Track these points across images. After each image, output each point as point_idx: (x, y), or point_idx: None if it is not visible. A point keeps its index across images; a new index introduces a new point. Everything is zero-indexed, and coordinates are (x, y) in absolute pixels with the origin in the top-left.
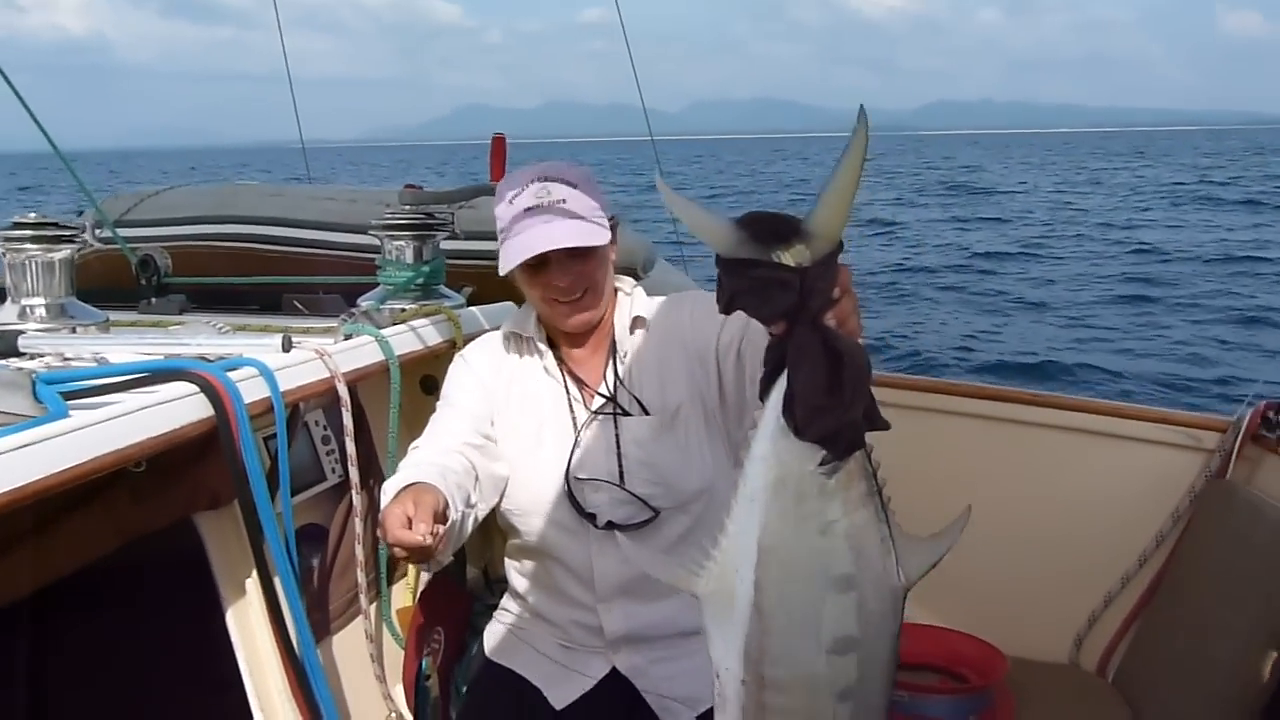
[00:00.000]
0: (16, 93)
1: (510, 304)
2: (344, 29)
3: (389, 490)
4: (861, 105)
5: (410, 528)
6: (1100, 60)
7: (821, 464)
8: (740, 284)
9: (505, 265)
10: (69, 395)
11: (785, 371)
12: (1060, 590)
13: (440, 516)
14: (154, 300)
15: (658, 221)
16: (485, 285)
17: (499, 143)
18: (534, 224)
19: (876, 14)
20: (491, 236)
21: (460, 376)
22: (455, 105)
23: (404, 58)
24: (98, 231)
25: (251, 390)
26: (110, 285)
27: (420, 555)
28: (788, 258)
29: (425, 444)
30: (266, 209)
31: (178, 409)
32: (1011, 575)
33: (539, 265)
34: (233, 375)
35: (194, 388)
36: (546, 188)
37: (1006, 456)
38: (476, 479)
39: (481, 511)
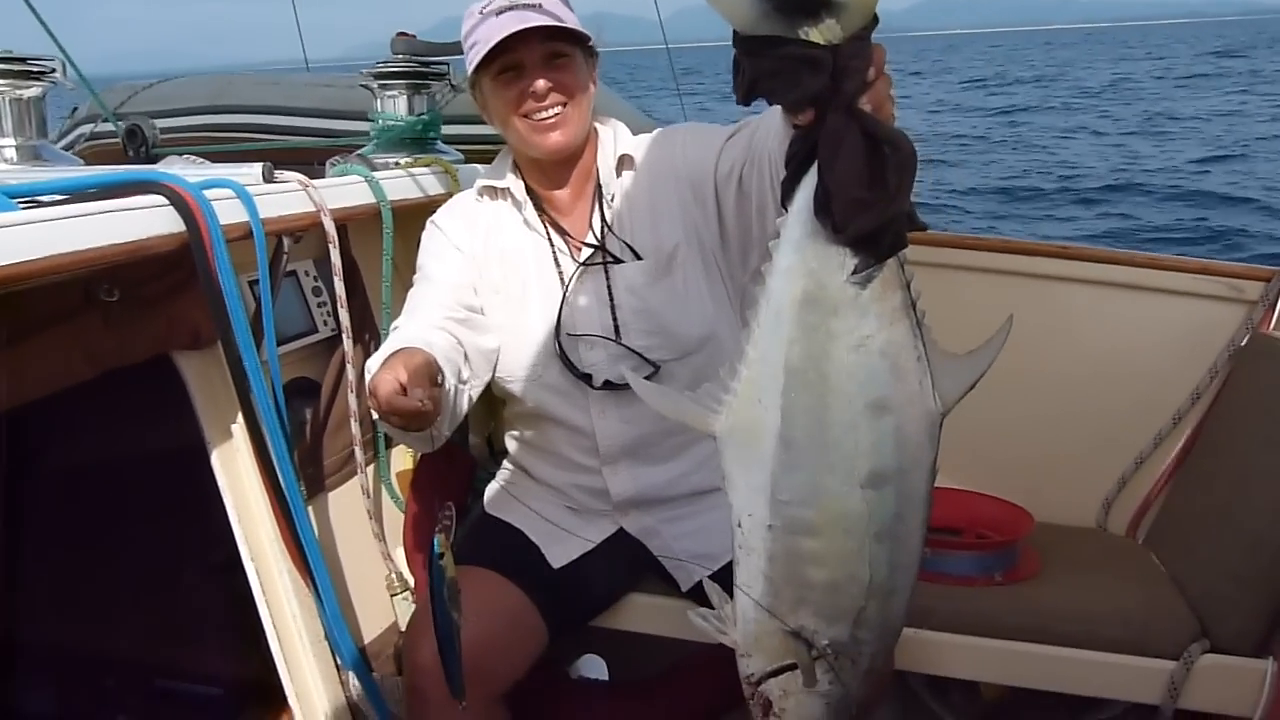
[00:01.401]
0: None
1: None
2: None
3: (373, 364)
4: None
5: (404, 394)
6: None
7: (855, 271)
8: (763, 65)
9: (472, 60)
10: (28, 206)
11: (813, 168)
12: (1089, 453)
13: (434, 380)
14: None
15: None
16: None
17: None
18: (504, 19)
19: None
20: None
21: (434, 245)
22: (436, 18)
23: None
24: (91, 126)
25: (228, 212)
26: None
27: (418, 422)
28: (816, 35)
29: (404, 322)
30: (264, 98)
31: (143, 219)
32: (1038, 439)
33: (513, 71)
34: (208, 194)
35: (163, 200)
36: None
37: (1034, 314)
38: (465, 356)
39: (475, 389)
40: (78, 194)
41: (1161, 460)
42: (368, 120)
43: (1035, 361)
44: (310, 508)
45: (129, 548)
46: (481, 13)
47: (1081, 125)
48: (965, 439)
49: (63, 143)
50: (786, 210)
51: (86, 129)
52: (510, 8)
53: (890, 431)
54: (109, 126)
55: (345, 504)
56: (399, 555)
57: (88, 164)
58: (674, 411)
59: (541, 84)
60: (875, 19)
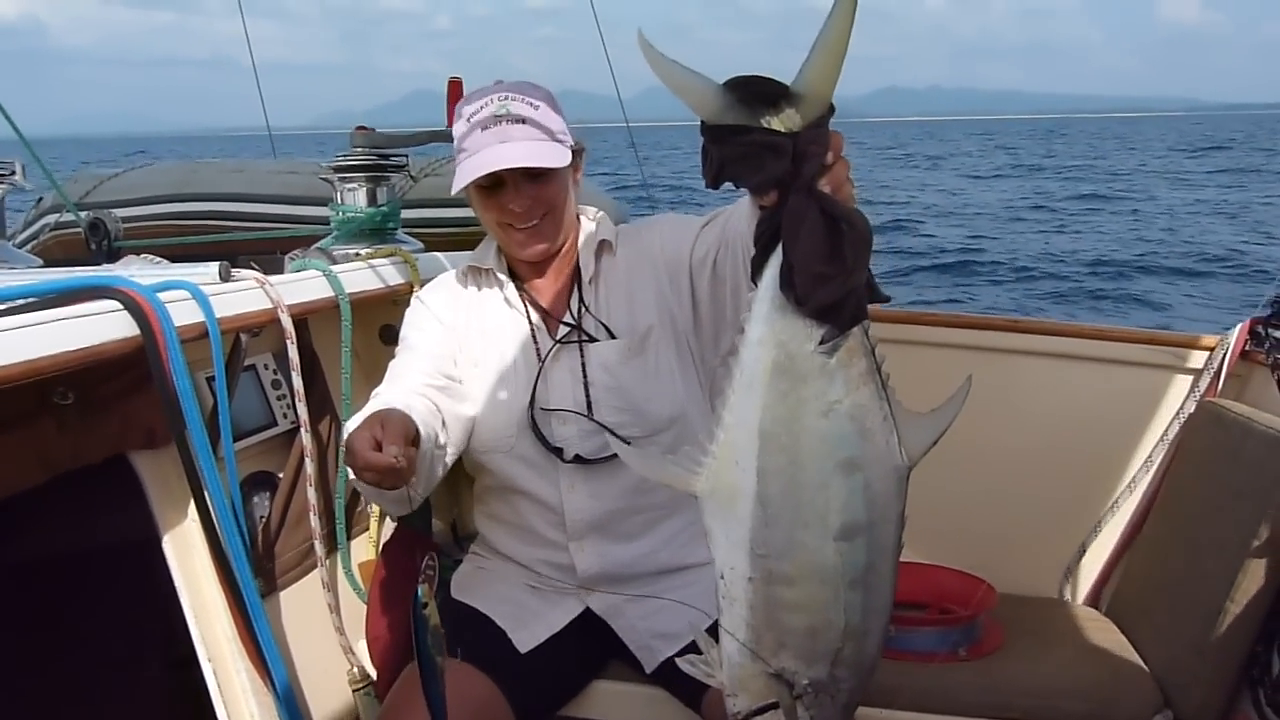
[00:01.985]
0: None
1: (470, 254)
2: (287, 14)
3: (352, 425)
4: None
5: (380, 450)
6: (1044, 47)
7: (821, 342)
8: (729, 151)
9: (458, 184)
10: None
11: (779, 246)
12: (1048, 523)
13: (410, 440)
14: (102, 266)
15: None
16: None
17: (455, 86)
18: (490, 141)
19: (826, 2)
20: (453, 203)
21: (417, 318)
22: (405, 91)
23: (350, 43)
24: (56, 217)
25: (183, 313)
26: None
27: (391, 479)
28: (777, 123)
29: (385, 389)
30: (228, 185)
31: (98, 325)
32: (997, 510)
33: (493, 186)
34: (162, 296)
35: (117, 305)
36: (506, 105)
37: (987, 386)
38: (443, 422)
39: (450, 455)
40: (33, 299)
41: (1119, 527)
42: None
43: (992, 433)
44: (268, 604)
45: (84, 645)
46: (469, 120)
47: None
48: (926, 511)
49: (28, 232)
50: (756, 286)
51: (52, 219)
52: (496, 124)
53: (860, 488)
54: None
55: (305, 598)
56: (361, 649)
57: (53, 254)
58: (656, 473)
59: (520, 204)
60: (832, 108)
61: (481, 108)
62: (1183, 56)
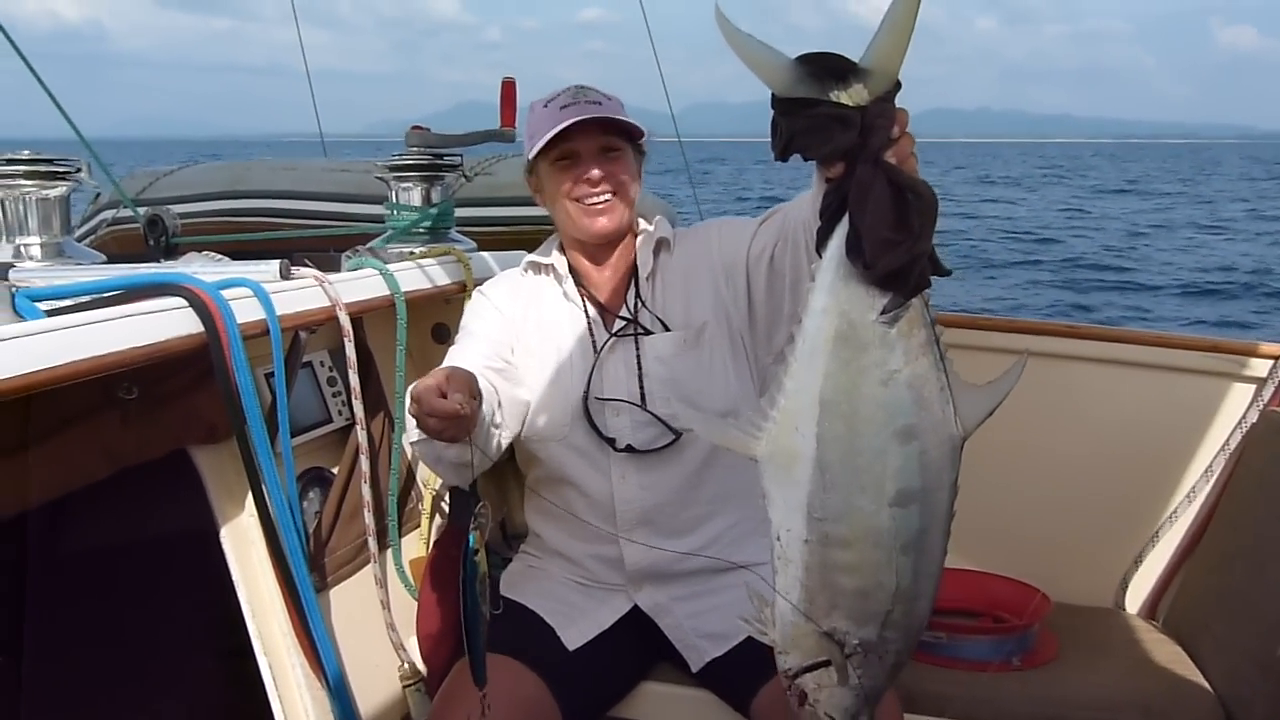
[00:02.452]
0: (38, 77)
1: (523, 252)
2: (342, 23)
3: (412, 388)
4: None
5: (445, 399)
6: (1095, 71)
7: (883, 312)
8: (799, 123)
9: (535, 147)
10: (52, 313)
11: (844, 222)
12: (1104, 532)
13: (473, 394)
14: (162, 260)
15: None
16: (504, 250)
17: (509, 87)
18: (570, 114)
19: (874, 20)
20: (505, 202)
21: (478, 307)
22: (454, 101)
23: (402, 53)
24: (114, 212)
25: (245, 311)
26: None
27: (454, 429)
28: (845, 97)
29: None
30: (281, 183)
31: (163, 321)
32: (1052, 518)
33: (570, 159)
34: (225, 294)
35: (182, 302)
36: (584, 91)
37: (1045, 393)
38: (499, 402)
39: (505, 437)
40: (100, 296)
41: (1177, 538)
42: (382, 204)
43: (1047, 440)
44: (322, 600)
45: (140, 633)
46: (545, 106)
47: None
48: (980, 519)
49: (86, 226)
50: (820, 257)
51: (109, 214)
52: (573, 103)
53: (915, 456)
54: (130, 211)
55: (358, 594)
56: (412, 645)
57: (109, 250)
58: (718, 436)
59: (596, 172)
60: (898, 84)
61: (557, 95)
62: (1238, 83)
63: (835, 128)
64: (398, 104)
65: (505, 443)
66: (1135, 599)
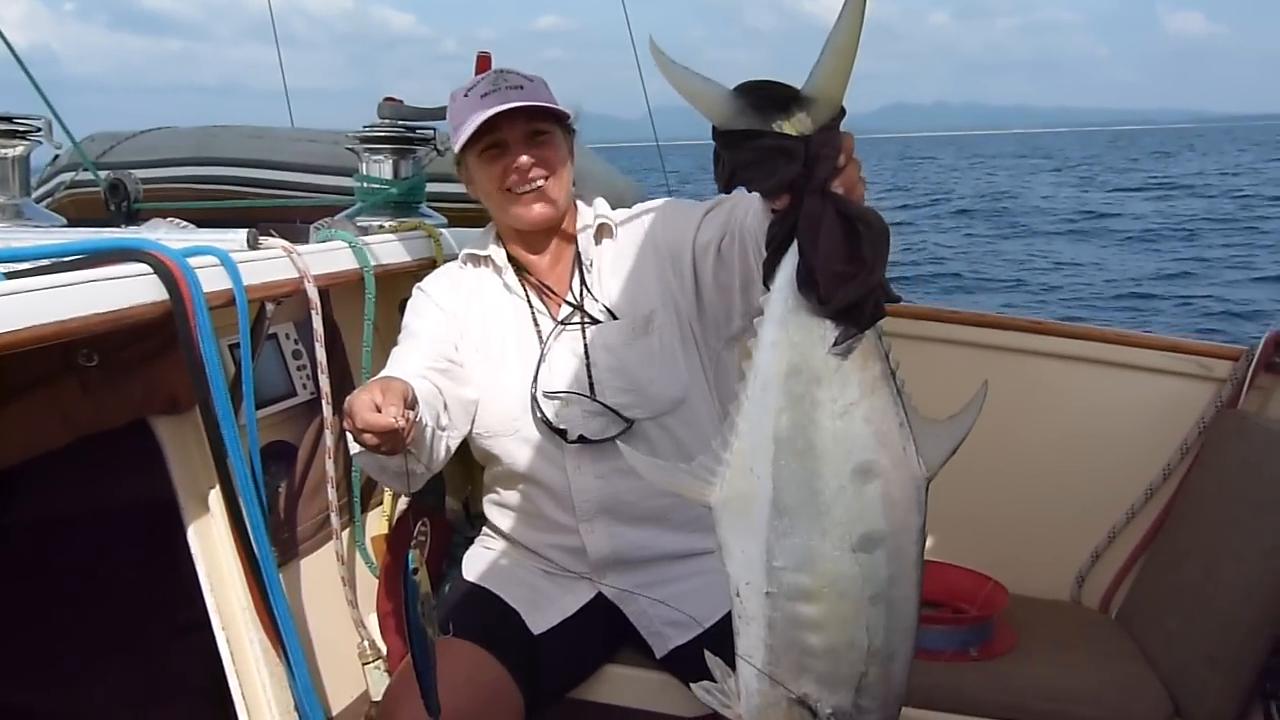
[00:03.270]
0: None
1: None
2: (296, 40)
3: (347, 401)
4: None
5: (379, 412)
6: (1050, 62)
7: (836, 343)
8: (742, 156)
9: (459, 140)
10: (11, 275)
11: (792, 250)
12: (1063, 526)
13: (410, 404)
14: (124, 226)
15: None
16: (474, 226)
17: (484, 61)
18: (491, 103)
19: (830, 19)
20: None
21: (419, 306)
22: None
23: (358, 68)
24: (73, 175)
25: (212, 280)
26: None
27: (390, 442)
28: (789, 127)
29: (387, 373)
30: (248, 151)
31: (127, 288)
32: (1012, 511)
33: (497, 149)
34: (192, 261)
35: (146, 268)
36: (504, 76)
37: (1007, 387)
38: (444, 404)
39: (453, 438)
40: (62, 260)
41: (1134, 535)
42: (351, 176)
43: (1009, 434)
44: (283, 574)
45: (94, 605)
46: (466, 95)
47: None
48: (940, 509)
49: (42, 189)
50: (769, 289)
51: (68, 176)
52: (494, 90)
53: (878, 496)
54: (91, 174)
55: (319, 570)
56: (372, 623)
57: (67, 213)
58: (669, 483)
59: (524, 160)
60: (842, 111)
61: (476, 84)
62: (1189, 69)
63: (779, 160)
64: (357, 119)
65: (455, 444)
66: (1091, 593)
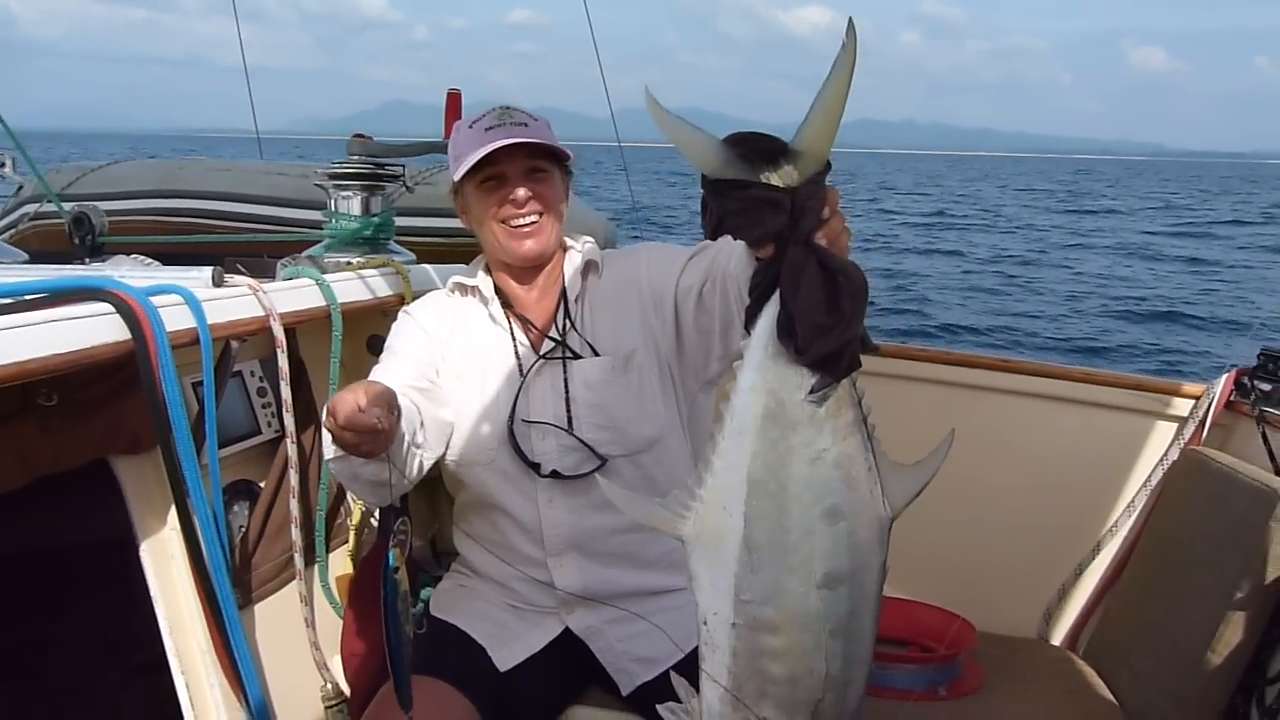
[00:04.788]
0: None
1: (463, 266)
2: (265, 17)
3: (329, 401)
4: (850, 19)
5: (362, 412)
6: (1015, 87)
7: (812, 391)
8: (729, 205)
9: (462, 170)
10: None
11: (774, 299)
12: (1030, 563)
13: (391, 408)
14: (88, 261)
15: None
16: (439, 262)
17: (454, 99)
18: (495, 136)
19: (802, 30)
20: (449, 213)
21: (403, 328)
22: (381, 100)
23: (326, 49)
24: (36, 206)
25: (175, 319)
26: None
27: (371, 443)
28: (776, 178)
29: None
30: (214, 184)
31: (89, 328)
32: (979, 548)
33: (496, 181)
34: (155, 300)
35: (109, 308)
36: (510, 113)
37: (974, 424)
38: (421, 422)
39: (427, 458)
40: (23, 298)
41: (1100, 571)
42: (319, 209)
43: (977, 470)
44: (244, 616)
45: (51, 647)
46: (471, 127)
47: None
48: (908, 546)
49: (5, 220)
50: (749, 334)
51: (31, 208)
52: (499, 125)
53: (844, 536)
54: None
55: (282, 611)
56: (336, 665)
57: (31, 245)
58: (644, 516)
59: (522, 193)
60: (828, 165)
61: (483, 116)
62: (1149, 103)
63: (766, 211)
64: (325, 101)
65: (428, 464)
66: (1058, 629)
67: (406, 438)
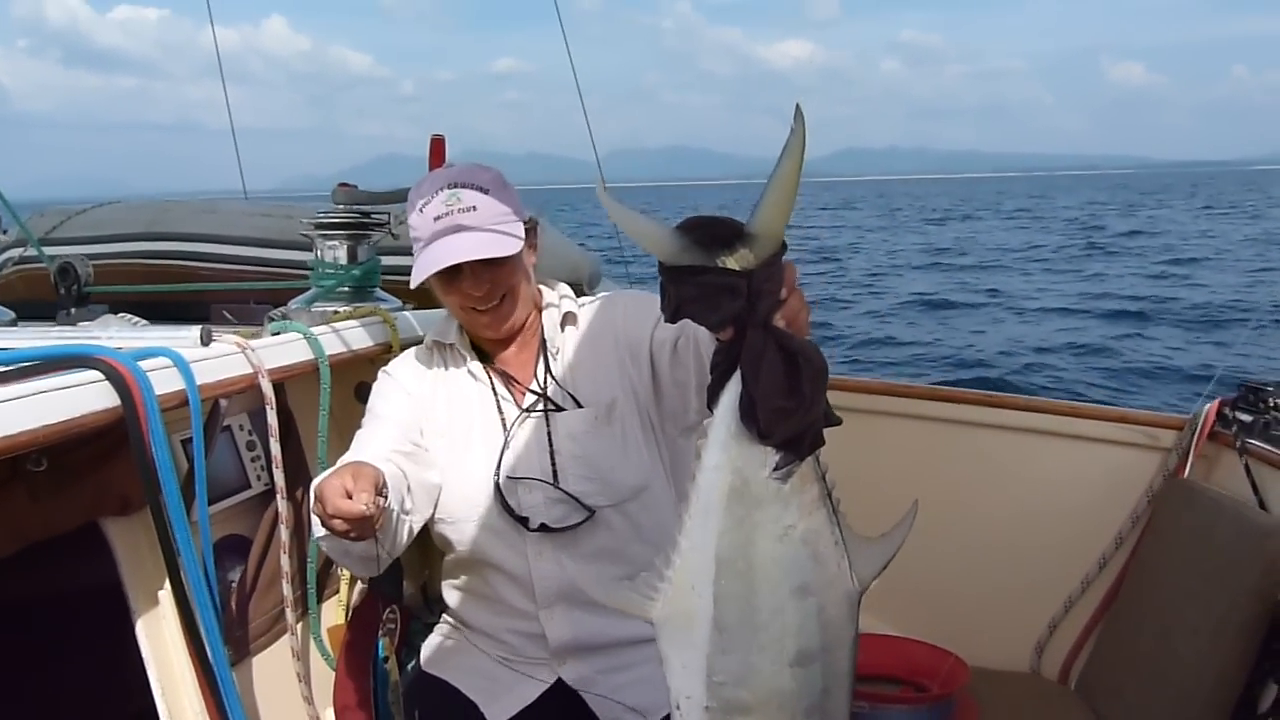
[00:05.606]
0: None
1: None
2: (253, 79)
3: (319, 481)
4: (798, 104)
5: (350, 498)
6: (998, 108)
7: (777, 468)
8: (686, 291)
9: (416, 278)
10: None
11: (736, 376)
12: (1019, 597)
13: (379, 490)
14: (73, 311)
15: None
16: (427, 302)
17: (438, 144)
18: (444, 232)
19: (784, 65)
20: None
21: (384, 389)
22: (372, 155)
23: (316, 107)
24: (21, 251)
25: (164, 381)
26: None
27: (359, 528)
28: (732, 262)
29: (350, 456)
30: (199, 225)
31: (79, 396)
32: (969, 582)
33: (453, 274)
34: (144, 365)
35: (99, 375)
36: (457, 195)
37: (961, 460)
38: (408, 487)
39: (416, 522)
40: (11, 367)
41: (1090, 604)
42: (302, 249)
43: (965, 506)
44: (236, 672)
45: (45, 699)
46: (422, 211)
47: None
48: (899, 583)
49: None
50: (712, 412)
51: (15, 253)
52: (446, 214)
53: (814, 613)
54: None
55: (274, 666)
56: (328, 717)
57: (16, 290)
58: (613, 600)
59: (480, 287)
60: (784, 245)
61: (431, 199)
62: (1131, 117)
63: (723, 297)
64: (316, 159)
65: (417, 528)
66: (1050, 663)
67: (394, 508)
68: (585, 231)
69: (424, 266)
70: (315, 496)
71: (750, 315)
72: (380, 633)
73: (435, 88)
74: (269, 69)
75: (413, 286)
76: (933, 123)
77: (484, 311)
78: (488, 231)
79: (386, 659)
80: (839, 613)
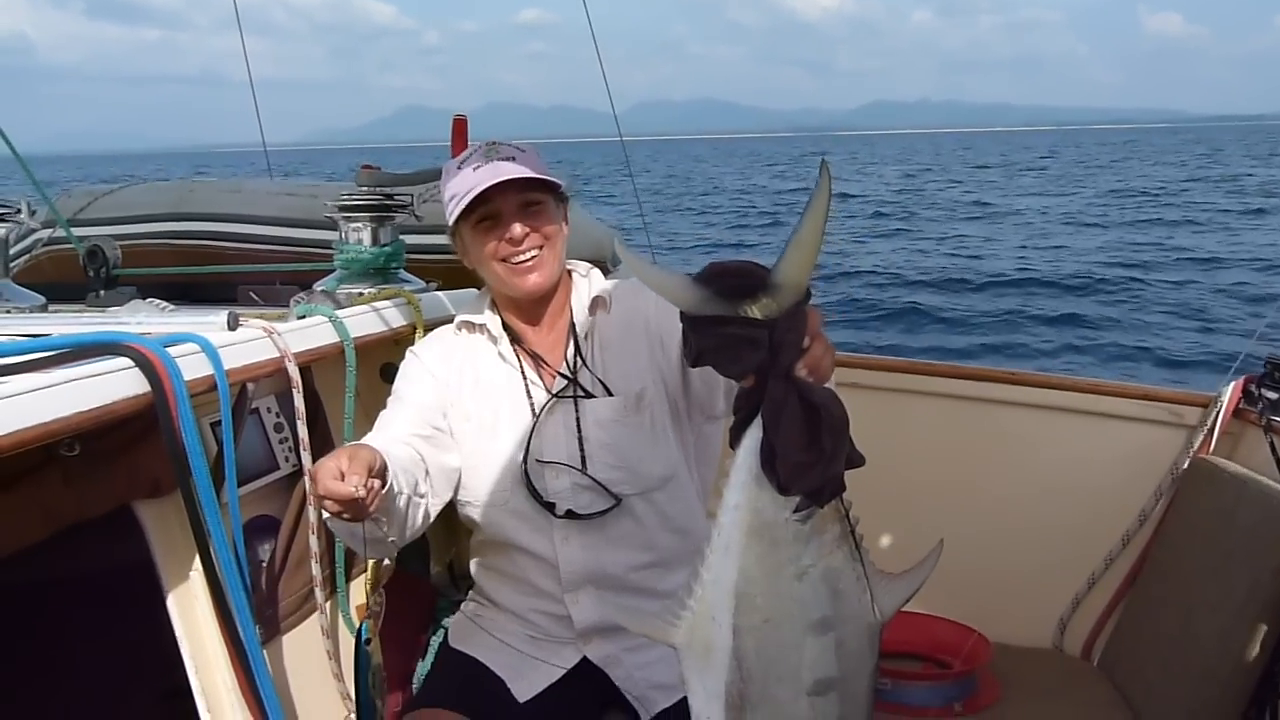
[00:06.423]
0: None
1: (474, 290)
2: (276, 30)
3: (313, 466)
4: (824, 159)
5: (343, 480)
6: (1030, 60)
7: (797, 510)
8: (708, 341)
9: (454, 212)
10: None
11: (757, 421)
12: (1043, 573)
13: (377, 474)
14: (102, 293)
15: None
16: (451, 280)
17: (460, 124)
18: (484, 175)
19: (813, 15)
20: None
21: (410, 371)
22: (395, 106)
23: (339, 59)
24: (50, 232)
25: (193, 367)
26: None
27: (352, 510)
28: (755, 311)
29: (371, 438)
30: (224, 205)
31: (110, 384)
32: (992, 559)
33: (491, 220)
34: (172, 351)
35: (128, 362)
36: (495, 148)
37: (984, 438)
38: (426, 471)
39: (434, 505)
40: (44, 354)
41: (1113, 581)
42: (327, 228)
43: (988, 483)
44: (267, 651)
45: (81, 697)
46: (460, 168)
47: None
48: (921, 558)
49: (20, 245)
50: (734, 450)
51: (45, 234)
52: (486, 162)
53: (832, 646)
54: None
55: (304, 644)
56: None
57: (46, 271)
58: (637, 625)
59: (518, 229)
60: (808, 294)
61: (469, 155)
62: (1168, 69)
63: (745, 348)
64: (339, 111)
65: (434, 511)
66: (1073, 639)
67: (407, 491)
68: (606, 194)
69: (466, 195)
70: (310, 477)
71: (772, 366)
72: (365, 615)
73: (459, 38)
74: (292, 19)
75: (450, 220)
76: (964, 75)
77: (520, 264)
78: (528, 166)
79: (369, 641)
80: (859, 644)
